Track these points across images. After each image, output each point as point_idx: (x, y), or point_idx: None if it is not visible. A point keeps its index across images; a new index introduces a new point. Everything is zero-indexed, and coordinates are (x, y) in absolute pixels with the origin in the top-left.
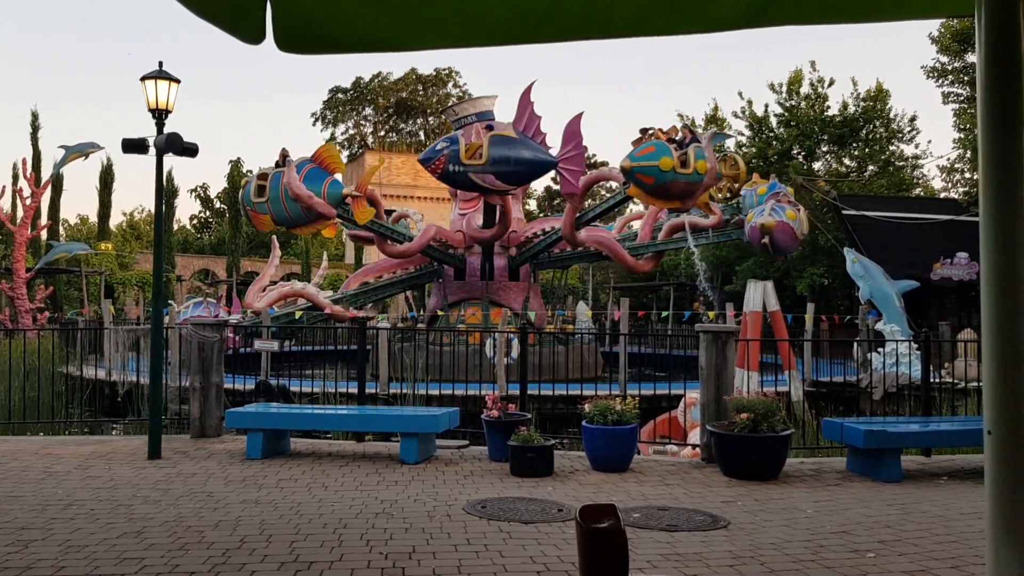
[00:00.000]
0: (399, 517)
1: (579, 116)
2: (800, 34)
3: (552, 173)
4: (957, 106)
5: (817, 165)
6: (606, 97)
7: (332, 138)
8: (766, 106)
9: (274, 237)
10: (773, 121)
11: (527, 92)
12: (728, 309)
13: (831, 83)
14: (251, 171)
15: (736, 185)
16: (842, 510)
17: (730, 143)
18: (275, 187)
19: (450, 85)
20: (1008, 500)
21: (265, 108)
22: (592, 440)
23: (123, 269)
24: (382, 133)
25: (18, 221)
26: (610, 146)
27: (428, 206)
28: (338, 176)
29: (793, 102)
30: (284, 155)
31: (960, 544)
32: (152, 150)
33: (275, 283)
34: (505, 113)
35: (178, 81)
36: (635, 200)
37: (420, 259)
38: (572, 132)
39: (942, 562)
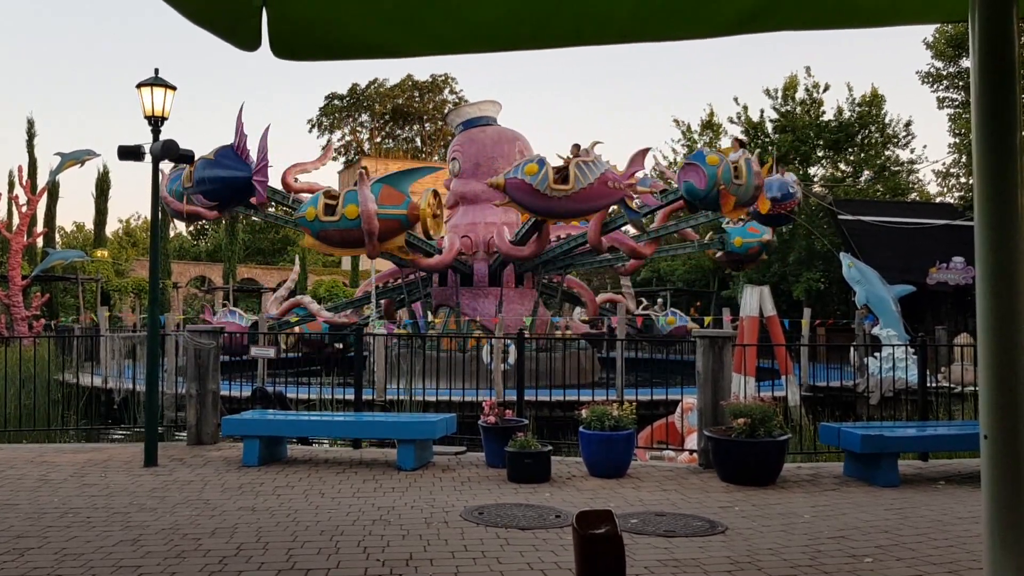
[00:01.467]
0: (396, 524)
1: (266, 129)
2: (795, 40)
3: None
4: (952, 111)
5: (813, 170)
6: (601, 103)
7: (328, 145)
8: (761, 111)
9: (297, 256)
10: (769, 127)
11: (240, 114)
12: (725, 314)
13: (826, 88)
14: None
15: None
16: (840, 515)
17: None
18: (749, 171)
19: (446, 91)
20: (1005, 504)
21: (261, 115)
22: (589, 446)
23: (119, 276)
24: (378, 139)
25: (14, 228)
26: (605, 151)
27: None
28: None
29: (789, 107)
30: (742, 144)
31: (957, 548)
32: (148, 157)
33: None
34: (506, 119)
35: (174, 88)
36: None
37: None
38: (261, 146)
39: (939, 567)
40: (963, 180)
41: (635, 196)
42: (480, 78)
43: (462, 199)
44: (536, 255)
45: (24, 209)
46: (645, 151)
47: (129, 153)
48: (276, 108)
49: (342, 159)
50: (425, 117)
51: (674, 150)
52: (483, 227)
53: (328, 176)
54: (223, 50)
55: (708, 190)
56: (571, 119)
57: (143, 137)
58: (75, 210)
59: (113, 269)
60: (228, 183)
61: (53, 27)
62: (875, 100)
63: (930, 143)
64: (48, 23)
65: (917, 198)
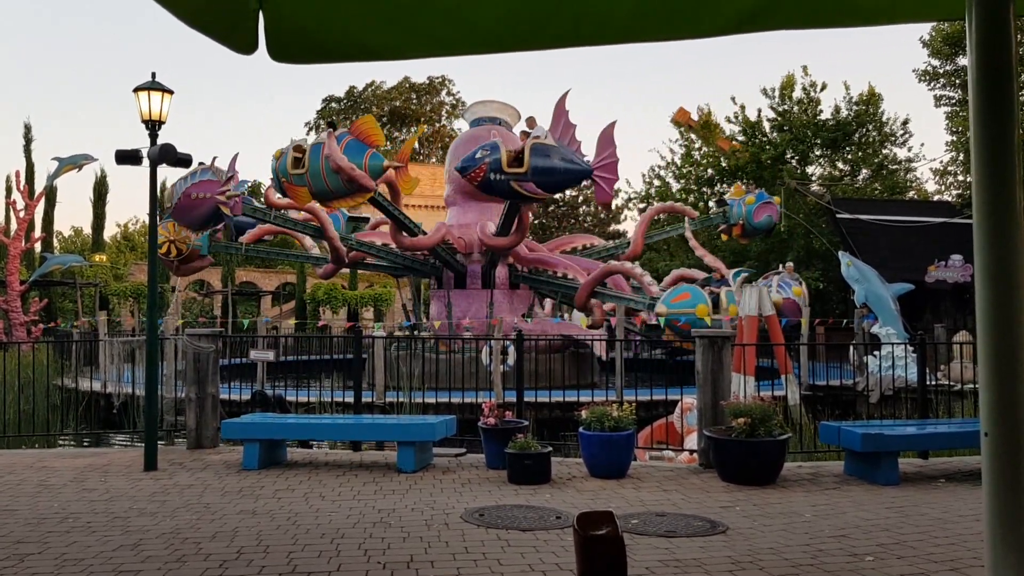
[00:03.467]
0: (397, 526)
1: (612, 124)
2: (793, 39)
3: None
4: (949, 109)
5: (811, 169)
6: (598, 103)
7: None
8: (759, 111)
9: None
10: (766, 126)
11: (562, 100)
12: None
13: (823, 87)
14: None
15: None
16: (840, 514)
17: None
18: (315, 159)
19: (443, 93)
20: (1006, 502)
21: (258, 118)
22: (589, 447)
23: (118, 280)
24: None
25: (12, 233)
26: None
27: (423, 214)
28: (378, 149)
29: (786, 107)
30: (331, 125)
31: (958, 547)
32: (146, 161)
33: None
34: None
35: (171, 92)
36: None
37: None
38: (607, 139)
39: (941, 565)
40: (961, 178)
41: (227, 202)
42: (481, 78)
43: (457, 197)
44: (514, 245)
45: (22, 214)
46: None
47: (127, 157)
48: (274, 111)
49: None
50: (422, 119)
51: (671, 150)
52: (478, 228)
53: None
54: (220, 54)
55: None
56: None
57: (141, 141)
58: (73, 215)
59: (111, 273)
60: (574, 175)
61: (50, 31)
62: (872, 99)
63: (927, 141)
64: (45, 27)
65: (915, 196)
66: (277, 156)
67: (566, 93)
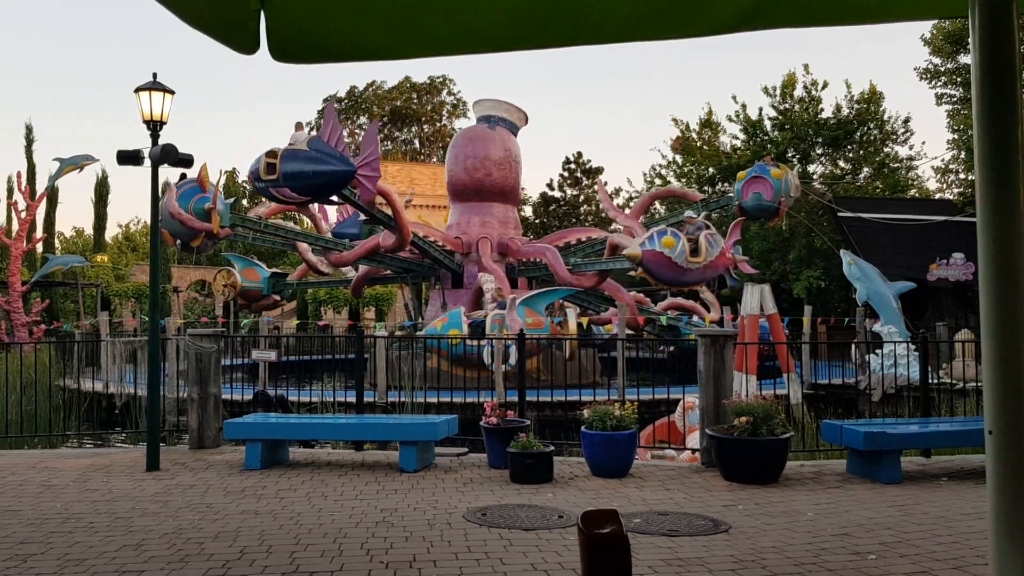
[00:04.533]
0: (399, 526)
1: (375, 123)
2: (793, 37)
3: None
4: (950, 107)
5: (812, 168)
6: (599, 101)
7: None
8: (760, 109)
9: None
10: (767, 124)
11: (331, 105)
12: (725, 313)
13: (824, 86)
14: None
15: None
16: (843, 512)
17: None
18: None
19: (444, 93)
20: (1010, 500)
21: (260, 118)
22: (591, 446)
23: (119, 281)
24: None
25: (13, 234)
26: (604, 151)
27: (424, 213)
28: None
29: (787, 105)
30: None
31: (961, 545)
32: (147, 162)
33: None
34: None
35: (172, 92)
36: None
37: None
38: (370, 139)
39: (944, 563)
40: (962, 176)
41: (736, 264)
42: (480, 79)
43: (455, 197)
44: (399, 247)
45: (23, 215)
46: (740, 223)
47: (128, 158)
48: (275, 111)
49: None
50: (423, 119)
51: (672, 149)
52: (478, 227)
53: None
54: (221, 53)
55: (773, 201)
56: (571, 118)
57: (142, 141)
58: (74, 215)
59: (113, 274)
60: (331, 176)
61: (50, 31)
62: (873, 97)
63: (929, 139)
64: (46, 27)
65: (916, 195)
66: (778, 176)
67: (334, 97)
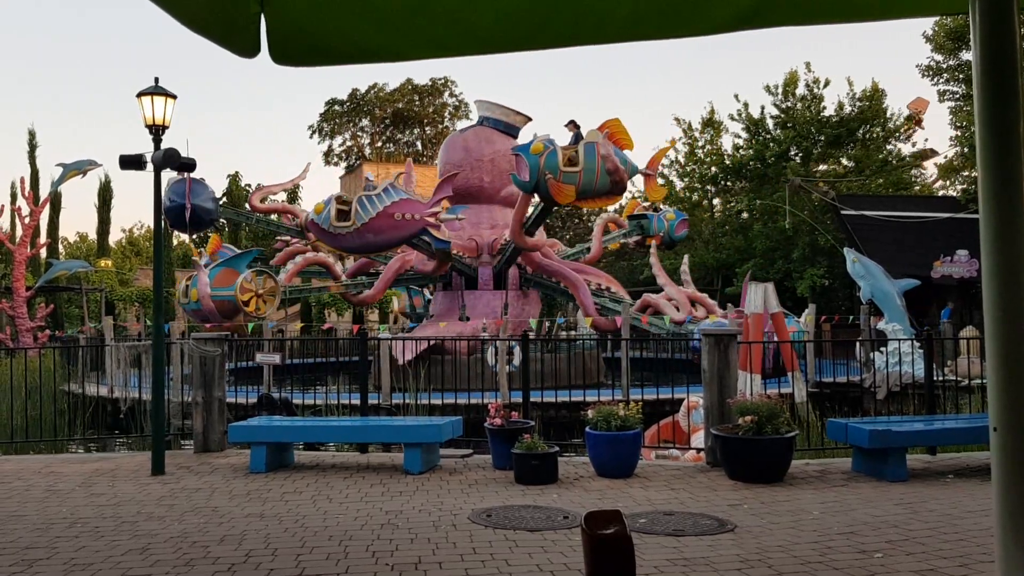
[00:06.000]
0: (404, 528)
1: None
2: (795, 35)
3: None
4: (953, 104)
5: (815, 166)
6: (601, 101)
7: (329, 150)
8: (762, 108)
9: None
10: (770, 123)
11: (408, 164)
12: (729, 311)
13: (827, 84)
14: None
15: None
16: (849, 511)
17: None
18: (590, 158)
19: (446, 95)
20: (1016, 497)
21: (261, 121)
22: (596, 446)
23: (123, 285)
24: (379, 144)
25: (17, 240)
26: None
27: None
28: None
29: (789, 103)
30: (576, 126)
31: (968, 542)
32: (150, 166)
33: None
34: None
35: (174, 97)
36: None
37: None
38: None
39: (950, 561)
40: (965, 173)
41: (438, 224)
42: (482, 80)
43: (461, 198)
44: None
45: (27, 220)
46: (452, 176)
47: (130, 162)
48: (276, 114)
49: (343, 164)
50: (425, 121)
51: (675, 149)
52: (488, 230)
53: (331, 181)
54: (222, 55)
55: (532, 181)
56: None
57: (145, 143)
58: (78, 220)
59: (117, 278)
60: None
61: (53, 37)
62: (875, 95)
63: (931, 136)
64: (48, 33)
65: (919, 192)
66: (538, 151)
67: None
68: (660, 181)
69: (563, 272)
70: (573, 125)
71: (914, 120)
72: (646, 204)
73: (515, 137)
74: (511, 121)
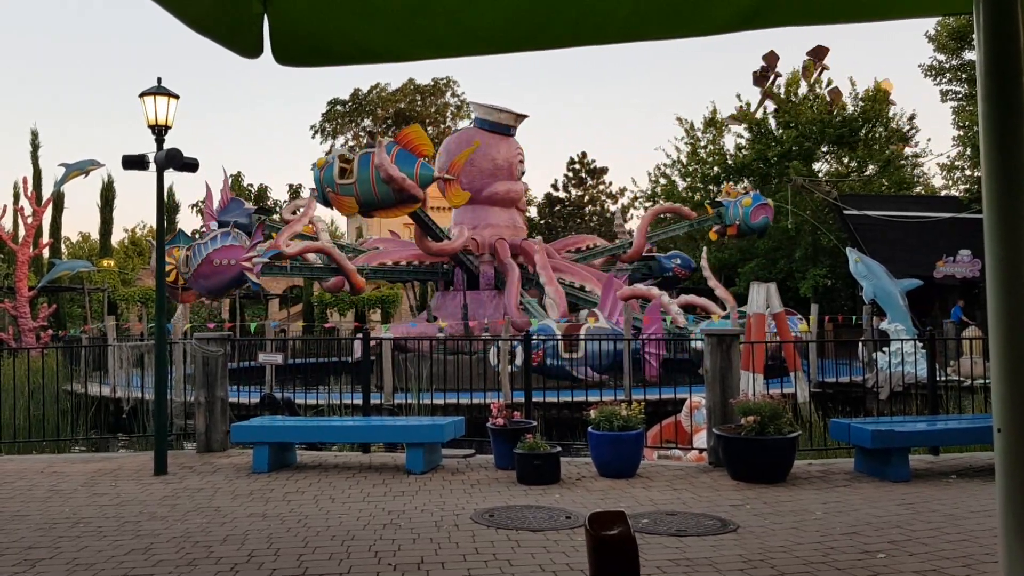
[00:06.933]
0: (407, 528)
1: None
2: (797, 35)
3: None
4: (956, 103)
5: (817, 166)
6: (603, 101)
7: (331, 150)
8: (764, 108)
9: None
10: (772, 123)
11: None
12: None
13: (829, 83)
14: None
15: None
16: (851, 511)
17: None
18: (364, 169)
19: (448, 95)
20: (1020, 497)
21: (264, 122)
22: (598, 446)
23: (126, 285)
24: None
25: (20, 240)
26: (608, 151)
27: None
28: (426, 159)
29: (792, 103)
30: (373, 136)
31: (971, 543)
32: (152, 166)
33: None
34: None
35: (177, 97)
36: None
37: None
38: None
39: (953, 561)
40: (968, 173)
41: (252, 268)
42: (483, 81)
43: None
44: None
45: (30, 220)
46: (261, 224)
47: (133, 163)
48: (279, 114)
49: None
50: (428, 121)
51: (677, 148)
52: (488, 229)
53: None
54: (225, 56)
55: (319, 194)
56: (576, 119)
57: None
58: (80, 220)
59: (119, 278)
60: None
61: (56, 37)
62: (878, 95)
63: (934, 136)
64: (50, 33)
65: (922, 192)
66: (320, 165)
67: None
68: (662, 181)
69: (510, 269)
70: (370, 136)
71: (816, 67)
72: (739, 189)
73: (508, 136)
74: (498, 120)
